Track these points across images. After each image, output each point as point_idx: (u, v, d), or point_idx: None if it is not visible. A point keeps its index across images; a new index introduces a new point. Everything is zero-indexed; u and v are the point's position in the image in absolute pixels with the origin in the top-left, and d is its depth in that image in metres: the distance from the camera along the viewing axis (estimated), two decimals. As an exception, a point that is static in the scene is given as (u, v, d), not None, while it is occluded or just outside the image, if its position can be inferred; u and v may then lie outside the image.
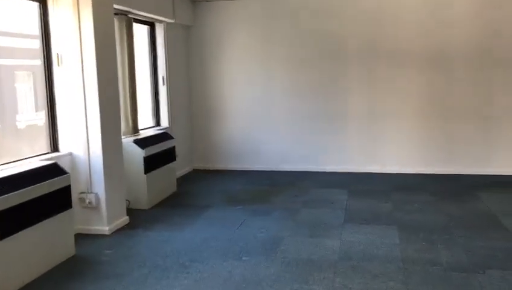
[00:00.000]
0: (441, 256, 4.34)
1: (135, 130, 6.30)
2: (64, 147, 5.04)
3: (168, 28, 7.30)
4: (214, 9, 7.95)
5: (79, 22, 4.87)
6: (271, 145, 8.04)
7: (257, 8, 7.82)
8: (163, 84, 7.34)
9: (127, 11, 6.10)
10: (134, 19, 6.39)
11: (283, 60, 7.86)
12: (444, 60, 7.38)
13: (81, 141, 5.00)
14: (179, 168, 7.30)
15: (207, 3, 7.94)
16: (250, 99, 8.04)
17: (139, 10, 6.22)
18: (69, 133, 5.02)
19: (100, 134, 4.99)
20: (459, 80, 7.39)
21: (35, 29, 4.88)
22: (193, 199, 6.47)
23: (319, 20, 7.67)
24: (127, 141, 5.87)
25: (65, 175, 4.42)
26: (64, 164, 4.70)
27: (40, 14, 4.85)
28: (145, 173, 5.94)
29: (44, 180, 4.14)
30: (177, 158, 6.88)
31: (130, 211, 5.63)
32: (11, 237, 3.77)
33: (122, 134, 5.73)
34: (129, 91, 6.14)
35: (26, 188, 3.91)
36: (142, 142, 5.99)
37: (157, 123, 7.41)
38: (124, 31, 6.05)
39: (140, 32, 6.97)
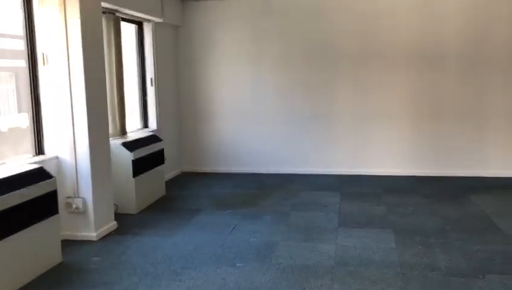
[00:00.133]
0: (438, 260, 4.26)
1: (123, 132, 6.14)
2: (49, 150, 4.86)
3: (156, 27, 7.14)
4: (203, 9, 7.80)
5: (65, 20, 4.70)
6: (260, 147, 7.92)
7: (246, 8, 7.71)
8: (152, 85, 7.18)
9: (114, 10, 5.94)
10: (121, 17, 6.22)
11: (273, 61, 7.75)
12: (436, 60, 7.33)
13: (68, 143, 4.83)
14: (168, 171, 7.14)
15: (196, 3, 7.79)
16: (239, 100, 7.92)
17: (127, 9, 6.05)
18: (55, 135, 4.85)
19: (87, 136, 4.83)
20: (450, 80, 7.35)
21: (19, 28, 4.69)
22: (182, 203, 6.32)
23: (308, 20, 7.58)
24: (115, 143, 5.70)
25: (51, 179, 4.24)
26: (49, 168, 4.53)
27: (24, 12, 4.66)
28: (133, 177, 5.78)
29: (29, 185, 3.96)
30: (165, 161, 6.71)
31: (117, 216, 5.46)
32: (-5, 245, 3.59)
33: (109, 136, 5.54)
34: (117, 92, 5.98)
35: (10, 193, 3.73)
36: (130, 145, 5.82)
37: (145, 125, 7.24)
38: (112, 30, 5.88)
39: (127, 31, 6.79)
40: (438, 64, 7.34)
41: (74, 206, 4.86)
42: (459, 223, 5.29)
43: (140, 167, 5.91)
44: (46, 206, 4.17)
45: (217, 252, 4.52)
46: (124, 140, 5.88)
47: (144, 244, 4.78)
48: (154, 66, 7.16)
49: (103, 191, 5.09)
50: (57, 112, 4.81)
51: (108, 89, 5.65)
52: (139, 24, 7.01)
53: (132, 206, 5.82)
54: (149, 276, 4.04)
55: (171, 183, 7.22)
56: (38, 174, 4.19)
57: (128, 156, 5.72)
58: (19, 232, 3.84)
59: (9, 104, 5.11)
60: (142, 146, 6.03)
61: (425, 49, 7.33)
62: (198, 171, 8.10)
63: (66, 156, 4.86)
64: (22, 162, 4.52)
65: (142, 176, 5.96)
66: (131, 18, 6.62)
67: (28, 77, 4.73)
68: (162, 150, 6.61)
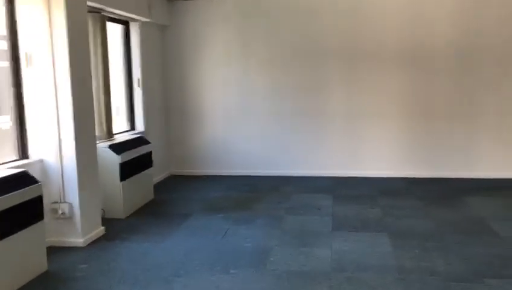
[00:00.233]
0: (437, 265, 4.16)
1: (110, 134, 5.96)
2: (34, 153, 4.67)
3: (143, 27, 6.97)
4: (190, 9, 7.65)
5: (50, 18, 4.53)
6: (251, 149, 7.78)
7: (235, 8, 7.57)
8: (138, 86, 7.00)
9: (100, 9, 5.76)
10: (107, 17, 6.04)
11: (263, 61, 7.62)
12: (428, 60, 7.27)
13: (53, 146, 4.65)
14: (155, 174, 6.96)
15: (184, 2, 7.64)
16: (228, 101, 7.78)
17: (113, 8, 5.87)
18: (40, 138, 4.66)
19: (73, 139, 4.65)
20: (443, 81, 7.29)
21: (1, 27, 4.49)
22: (172, 207, 6.15)
23: (298, 19, 7.47)
24: (102, 146, 5.52)
25: (36, 184, 4.05)
26: (34, 172, 4.35)
27: (7, 10, 4.46)
28: (121, 181, 5.61)
29: (13, 191, 3.77)
30: (153, 164, 6.54)
31: (105, 221, 5.28)
32: (-24, 254, 3.41)
33: (96, 139, 5.36)
34: (103, 93, 5.80)
35: (-7, 200, 3.55)
36: (117, 148, 5.65)
37: (132, 127, 7.06)
38: (98, 29, 5.71)
39: (113, 31, 6.61)
40: (430, 64, 7.28)
41: (60, 211, 4.68)
42: (455, 225, 5.21)
43: (128, 170, 5.74)
44: (30, 212, 3.99)
45: (210, 258, 4.37)
46: (111, 143, 5.71)
47: (133, 251, 4.61)
48: (141, 67, 6.99)
49: (90, 196, 4.92)
50: (42, 114, 4.63)
51: (95, 90, 5.46)
52: (126, 24, 6.84)
53: (120, 210, 5.64)
54: (139, 284, 3.87)
55: (159, 187, 7.05)
56: (23, 179, 4.00)
57: (115, 159, 5.55)
58: (1, 241, 3.65)
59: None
60: (129, 149, 5.86)
61: (416, 49, 7.26)
62: (187, 174, 7.93)
63: (51, 159, 4.67)
64: (4, 166, 4.32)
65: (129, 179, 5.79)
66: (118, 17, 6.44)
67: (11, 77, 4.53)
68: (150, 152, 6.44)
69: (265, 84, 7.64)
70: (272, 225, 5.30)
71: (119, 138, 6.09)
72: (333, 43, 7.42)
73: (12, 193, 3.74)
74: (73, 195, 4.70)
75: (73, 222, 4.73)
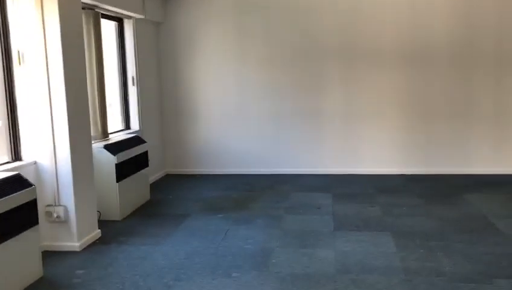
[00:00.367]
0: (443, 265, 4.08)
1: (105, 134, 5.82)
2: (27, 155, 4.51)
3: (137, 24, 6.82)
4: (185, 5, 7.51)
5: (42, 15, 4.37)
6: (247, 147, 7.67)
7: (231, 4, 7.44)
8: (133, 84, 6.86)
9: (94, 5, 5.61)
10: (101, 14, 5.89)
11: (259, 59, 7.50)
12: (425, 59, 7.20)
13: (47, 148, 4.50)
14: (151, 173, 6.82)
15: (178, -1, 7.50)
16: (224, 99, 7.65)
17: (106, 4, 5.73)
18: (33, 139, 4.51)
19: (68, 139, 4.51)
20: (440, 79, 7.23)
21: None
22: (169, 208, 6.03)
23: (295, 17, 7.35)
24: (97, 146, 5.38)
25: (30, 188, 3.91)
26: (28, 175, 4.21)
27: (-2, 6, 4.32)
28: (117, 181, 5.47)
29: (6, 195, 3.63)
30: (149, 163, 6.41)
31: (101, 224, 5.14)
32: (-31, 261, 3.27)
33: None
34: (97, 92, 5.66)
35: (-14, 205, 3.41)
36: (113, 148, 5.51)
37: (127, 126, 6.92)
38: (91, 26, 5.56)
39: (107, 29, 6.46)
40: (429, 63, 7.21)
41: (55, 215, 4.54)
42: (457, 223, 5.14)
43: (124, 171, 5.60)
44: (24, 217, 3.84)
45: (211, 261, 4.26)
46: (106, 143, 5.57)
47: (131, 255, 4.48)
48: (136, 65, 6.85)
49: (86, 198, 4.78)
50: (35, 114, 4.48)
51: (89, 89, 5.31)
52: (119, 21, 6.68)
53: (116, 212, 5.51)
54: (139, 290, 3.76)
55: (155, 187, 6.92)
56: (16, 182, 3.85)
57: (111, 160, 5.41)
58: (-5, 247, 3.51)
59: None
60: (125, 149, 5.72)
61: (414, 47, 7.19)
62: (183, 173, 7.80)
63: (45, 161, 4.53)
64: (-3, 169, 4.18)
65: (126, 180, 5.65)
66: (111, 14, 6.29)
67: (2, 77, 4.37)
68: (146, 152, 6.30)
69: (263, 82, 7.53)
70: (272, 225, 5.20)
71: (114, 138, 5.95)
72: (332, 42, 7.32)
73: (5, 197, 3.59)
74: (68, 198, 4.56)
75: (69, 226, 4.59)
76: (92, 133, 5.37)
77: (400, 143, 7.42)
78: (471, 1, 7.04)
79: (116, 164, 5.42)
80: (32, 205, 3.93)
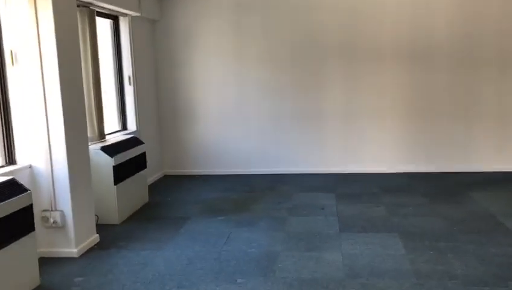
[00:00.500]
0: (454, 267, 3.95)
1: (101, 135, 5.65)
2: (22, 158, 4.34)
3: (133, 22, 6.65)
4: (182, 2, 7.34)
5: (36, 13, 4.20)
6: (247, 147, 7.52)
7: (229, 1, 7.27)
8: (130, 84, 6.69)
9: (88, 3, 5.44)
10: (96, 12, 5.72)
11: (258, 57, 7.34)
12: (428, 56, 7.07)
13: (42, 150, 4.33)
14: (149, 175, 6.64)
15: (174, -4, 7.33)
16: (223, 98, 7.49)
17: (102, 2, 5.55)
18: (28, 142, 4.33)
19: (64, 142, 4.34)
20: (443, 76, 7.11)
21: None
22: (168, 210, 5.87)
23: (294, 14, 7.20)
24: (94, 148, 5.21)
25: (25, 193, 3.75)
26: (22, 179, 4.04)
27: (-11, 4, 4.14)
28: (115, 184, 5.31)
29: (0, 201, 3.47)
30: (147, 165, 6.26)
31: (99, 228, 4.97)
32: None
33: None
34: (94, 92, 5.49)
35: (-21, 212, 3.25)
36: (110, 149, 5.35)
37: (124, 127, 6.75)
38: (86, 25, 5.38)
39: (102, 26, 6.29)
40: (429, 59, 7.08)
41: (52, 220, 4.38)
42: (465, 223, 5.02)
43: (121, 173, 5.44)
44: (20, 223, 3.68)
45: (214, 267, 4.11)
46: (103, 144, 5.41)
47: (132, 261, 4.32)
48: (132, 64, 6.67)
49: (83, 202, 4.62)
50: (29, 116, 4.31)
51: (85, 89, 5.13)
52: (115, 19, 6.51)
53: (114, 216, 5.35)
54: (141, 298, 3.61)
55: (153, 188, 6.75)
56: (10, 187, 3.69)
57: (108, 162, 5.25)
58: (-10, 256, 3.35)
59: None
60: (123, 150, 5.56)
61: (416, 44, 7.06)
62: (182, 174, 7.64)
63: (40, 164, 4.36)
64: (-10, 173, 4.01)
65: (124, 182, 5.49)
66: (106, 12, 6.12)
67: (-5, 77, 4.21)
68: (144, 153, 6.14)
69: (262, 80, 7.37)
70: (275, 228, 5.06)
71: (111, 139, 5.79)
72: (332, 40, 7.17)
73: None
74: (65, 202, 4.40)
75: (66, 231, 4.43)
76: (89, 135, 5.22)
77: (402, 141, 7.29)
78: (474, -3, 6.93)
79: (113, 166, 5.26)
80: (28, 210, 3.77)
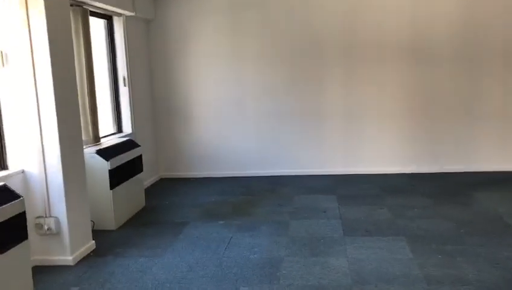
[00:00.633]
0: (466, 272, 3.82)
1: (96, 138, 5.48)
2: (14, 163, 4.16)
3: (127, 21, 6.48)
4: (176, 1, 7.17)
5: (27, 12, 4.03)
6: (244, 149, 7.36)
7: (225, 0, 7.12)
8: (124, 85, 6.51)
9: (82, 2, 5.27)
10: (89, 11, 5.54)
11: (255, 56, 7.18)
12: (430, 54, 6.93)
13: (35, 155, 4.16)
14: (145, 178, 6.46)
15: (169, -5, 7.16)
16: (220, 99, 7.32)
17: (95, 1, 5.38)
18: (20, 146, 4.16)
19: (58, 146, 4.17)
20: (445, 74, 6.97)
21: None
22: (166, 215, 5.70)
23: (292, 11, 7.05)
24: (89, 151, 5.04)
25: (18, 199, 3.58)
26: (15, 185, 3.88)
27: (-22, 2, 3.96)
28: (110, 189, 5.13)
29: (-8, 208, 3.30)
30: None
31: (95, 234, 4.81)
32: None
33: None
34: (88, 94, 5.32)
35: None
36: (105, 153, 5.18)
37: (119, 129, 6.57)
38: (80, 24, 5.22)
39: (96, 26, 6.11)
40: (431, 57, 6.94)
41: (46, 227, 4.20)
42: (472, 225, 4.89)
43: (117, 177, 5.27)
44: (12, 232, 3.51)
45: (216, 274, 3.95)
46: (98, 147, 5.24)
47: (130, 268, 4.15)
48: (127, 64, 6.50)
49: (79, 208, 4.45)
50: (21, 119, 4.13)
51: (79, 91, 4.96)
52: (109, 18, 6.34)
53: (110, 221, 5.17)
54: (140, 308, 3.44)
55: (149, 192, 6.58)
56: (2, 194, 3.52)
57: (104, 166, 5.08)
58: (-19, 267, 3.18)
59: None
60: (118, 153, 5.39)
61: (418, 43, 6.91)
62: (178, 177, 7.47)
63: (33, 169, 4.19)
64: (-19, 179, 3.83)
65: (120, 187, 5.32)
66: (100, 12, 5.94)
67: (-15, 79, 4.03)
68: (140, 156, 5.97)
69: (259, 80, 7.22)
70: (277, 232, 4.91)
71: (106, 142, 5.62)
72: (330, 37, 7.02)
73: (-9, 211, 3.27)
74: (59, 208, 4.23)
75: (61, 238, 4.26)
76: (83, 138, 5.05)
77: (403, 141, 7.16)
78: (475, -6, 6.81)
79: (109, 170, 5.09)
80: (21, 218, 3.60)
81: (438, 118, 7.06)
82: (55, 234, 4.23)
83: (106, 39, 6.35)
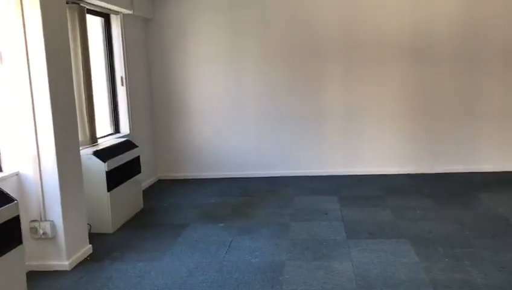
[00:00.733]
0: (473, 276, 3.72)
1: (93, 139, 5.37)
2: (8, 165, 4.05)
3: (125, 20, 6.36)
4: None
5: (22, 10, 3.91)
6: (243, 149, 7.25)
7: (224, -2, 7.01)
8: (122, 84, 6.40)
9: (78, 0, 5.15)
10: (86, 9, 5.43)
11: (254, 55, 7.07)
12: (430, 53, 6.83)
13: (30, 156, 4.04)
14: (142, 179, 6.33)
15: (167, -7, 7.05)
16: (219, 99, 7.21)
17: (92, -2, 5.28)
18: (14, 147, 4.05)
19: (54, 147, 4.05)
20: (446, 74, 6.88)
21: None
22: (164, 217, 5.59)
23: (292, 11, 6.94)
24: (85, 153, 4.92)
25: (12, 203, 3.46)
26: (9, 188, 3.76)
27: (-29, 0, 3.84)
28: (108, 191, 5.02)
29: (-15, 213, 3.19)
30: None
31: (91, 237, 4.69)
32: None
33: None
34: (84, 94, 5.21)
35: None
36: (103, 154, 5.06)
37: (117, 130, 6.46)
38: (76, 23, 5.11)
39: (93, 25, 5.99)
40: (433, 57, 6.84)
41: (41, 231, 4.08)
42: (477, 227, 4.79)
43: (115, 178, 5.16)
44: (6, 237, 3.40)
45: (216, 279, 3.84)
46: (95, 149, 5.12)
47: (127, 273, 4.04)
48: (124, 64, 6.38)
49: (75, 211, 4.33)
50: (16, 119, 4.02)
51: (75, 91, 4.85)
52: (106, 17, 6.22)
53: (108, 224, 5.06)
54: (139, 315, 3.33)
55: (147, 194, 6.46)
56: (-4, 197, 3.41)
57: (101, 167, 4.96)
58: (-27, 273, 3.06)
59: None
60: (116, 155, 5.27)
61: (417, 42, 6.82)
62: (176, 178, 7.36)
63: (28, 171, 4.07)
64: (-26, 182, 3.71)
65: (117, 189, 5.21)
66: (97, 9, 5.83)
67: (-22, 78, 3.92)
68: (138, 157, 5.85)
69: (258, 79, 7.11)
70: (278, 235, 4.80)
71: (103, 143, 5.50)
72: (330, 36, 6.92)
73: (-16, 215, 3.15)
74: (55, 211, 4.11)
75: (57, 242, 4.14)
76: (80, 139, 4.91)
77: (404, 141, 7.07)
78: (477, -8, 6.71)
79: (106, 172, 4.98)
80: (15, 222, 3.48)
81: (439, 118, 6.97)
82: (50, 238, 4.11)
83: (103, 38, 6.23)
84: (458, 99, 6.92)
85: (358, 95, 7.00)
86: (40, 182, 4.06)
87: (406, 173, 7.01)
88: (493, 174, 6.79)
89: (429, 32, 6.79)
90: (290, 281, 3.74)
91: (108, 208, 5.03)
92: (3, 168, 4.04)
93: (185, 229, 5.07)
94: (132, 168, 5.65)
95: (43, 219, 4.09)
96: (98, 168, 4.94)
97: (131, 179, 5.61)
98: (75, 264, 4.23)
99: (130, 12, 6.27)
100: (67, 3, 4.82)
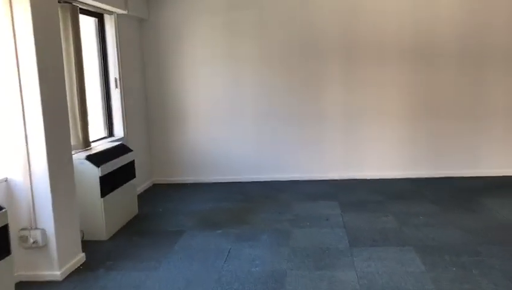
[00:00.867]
0: (482, 286, 3.58)
1: (86, 143, 5.19)
2: (-4, 171, 3.87)
3: (119, 20, 6.19)
4: (171, 0, 6.89)
5: (11, 9, 3.74)
6: (240, 153, 7.09)
7: (220, -2, 6.86)
8: (116, 86, 6.22)
9: (71, -1, 4.98)
10: (79, 9, 5.25)
11: (252, 57, 6.92)
12: (432, 55, 6.70)
13: (20, 161, 3.86)
14: (137, 184, 6.16)
15: (162, -7, 6.88)
16: (215, 102, 7.05)
17: (85, -2, 5.11)
18: (3, 152, 3.87)
19: (45, 151, 3.88)
20: (448, 76, 6.75)
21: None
22: (160, 223, 5.41)
23: (289, 11, 6.79)
24: (78, 157, 4.75)
25: (0, 211, 3.28)
26: (-3, 195, 3.57)
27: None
28: (101, 196, 4.84)
29: (-29, 222, 3.01)
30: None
31: (84, 245, 4.51)
32: None
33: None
34: (77, 96, 5.03)
35: None
36: (96, 159, 4.88)
37: (110, 133, 6.28)
38: (69, 23, 4.93)
39: (86, 25, 5.81)
40: (433, 58, 6.72)
41: (31, 240, 3.90)
42: (483, 234, 4.65)
43: (109, 184, 4.98)
44: (-6, 247, 3.22)
45: (215, 290, 3.68)
46: (88, 153, 4.94)
47: (123, 283, 3.87)
48: (118, 65, 6.20)
49: (67, 218, 4.15)
50: (5, 123, 3.84)
51: (68, 93, 4.67)
52: (100, 17, 6.04)
53: (101, 231, 4.88)
54: (134, 330, 3.16)
55: (142, 199, 6.28)
56: (-17, 205, 3.23)
57: (94, 172, 4.78)
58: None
59: None
60: (110, 159, 5.10)
61: (418, 43, 6.69)
62: (172, 182, 7.18)
63: (18, 177, 3.89)
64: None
65: (111, 194, 5.03)
66: (91, 9, 5.65)
67: (-35, 80, 3.73)
68: (133, 161, 5.68)
69: (256, 81, 6.95)
70: (279, 242, 4.64)
71: (97, 147, 5.32)
72: (329, 37, 6.78)
73: (-30, 225, 2.97)
74: (46, 219, 3.93)
75: (48, 251, 3.96)
76: (72, 143, 4.73)
77: (405, 145, 6.93)
78: (479, -8, 6.59)
79: (100, 177, 4.80)
80: (3, 232, 3.31)
81: (441, 121, 6.84)
82: (41, 247, 3.93)
83: (97, 39, 6.06)
84: (461, 102, 6.80)
85: (358, 97, 6.86)
86: (30, 188, 3.88)
87: (408, 177, 6.88)
88: (498, 179, 6.68)
89: (430, 33, 6.67)
90: (293, 293, 3.58)
91: (102, 214, 4.86)
92: (-8, 174, 3.85)
93: (181, 236, 4.90)
94: (126, 173, 5.47)
95: (33, 226, 3.91)
96: (91, 173, 4.77)
97: (126, 184, 5.44)
98: (67, 274, 4.05)
99: (125, 12, 6.10)
100: (59, 2, 4.62)
